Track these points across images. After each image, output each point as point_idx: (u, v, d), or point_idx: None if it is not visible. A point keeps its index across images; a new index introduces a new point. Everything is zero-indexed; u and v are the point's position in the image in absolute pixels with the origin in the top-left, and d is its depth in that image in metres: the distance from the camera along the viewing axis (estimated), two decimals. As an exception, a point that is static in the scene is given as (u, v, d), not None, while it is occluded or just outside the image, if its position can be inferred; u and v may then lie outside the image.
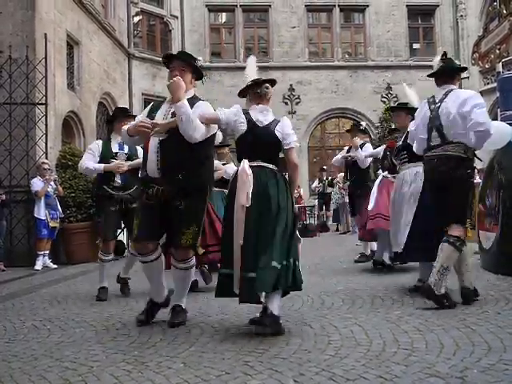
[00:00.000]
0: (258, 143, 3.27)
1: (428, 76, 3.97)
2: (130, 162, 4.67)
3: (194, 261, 3.44)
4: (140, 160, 4.52)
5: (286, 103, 16.75)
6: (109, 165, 4.60)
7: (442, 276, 3.48)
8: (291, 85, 16.81)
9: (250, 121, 3.30)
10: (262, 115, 3.35)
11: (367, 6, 17.25)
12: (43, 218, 7.52)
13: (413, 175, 4.41)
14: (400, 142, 4.56)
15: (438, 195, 3.67)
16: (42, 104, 8.24)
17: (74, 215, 8.39)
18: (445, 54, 3.96)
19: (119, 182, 4.64)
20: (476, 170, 9.72)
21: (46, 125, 8.27)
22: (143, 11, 15.70)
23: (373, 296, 4.09)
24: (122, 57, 14.07)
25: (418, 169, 4.28)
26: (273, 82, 3.46)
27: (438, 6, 17.34)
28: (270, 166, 3.28)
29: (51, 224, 7.62)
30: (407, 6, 17.19)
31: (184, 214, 3.24)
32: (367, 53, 17.34)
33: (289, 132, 3.32)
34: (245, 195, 3.09)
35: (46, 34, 8.43)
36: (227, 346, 2.78)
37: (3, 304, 4.49)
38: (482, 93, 16.09)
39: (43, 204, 7.55)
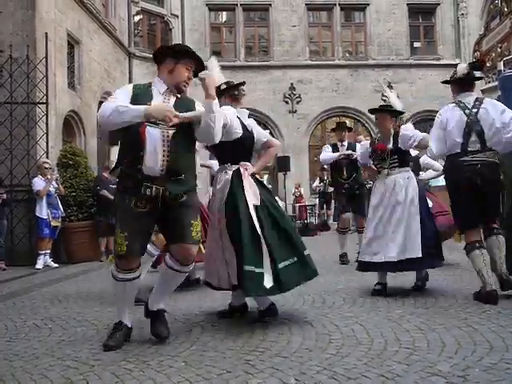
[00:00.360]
0: (248, 147, 3.48)
1: (450, 81, 4.06)
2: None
3: (193, 264, 3.15)
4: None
5: (287, 102, 16.74)
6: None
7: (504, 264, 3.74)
8: (292, 84, 16.80)
9: (243, 126, 3.43)
10: (247, 119, 3.50)
11: (368, 4, 17.23)
12: (45, 217, 7.53)
13: (406, 179, 4.29)
14: (390, 146, 4.35)
15: (476, 196, 3.78)
16: (42, 103, 8.24)
17: (74, 214, 8.41)
18: (473, 62, 4.18)
19: None
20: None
21: (47, 124, 8.27)
22: (144, 10, 15.68)
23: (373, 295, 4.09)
24: (122, 56, 14.07)
25: (409, 173, 4.33)
26: (243, 84, 3.61)
27: (438, 4, 17.32)
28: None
29: (53, 223, 7.62)
30: (408, 4, 17.17)
31: (188, 206, 2.94)
32: (368, 51, 17.33)
33: (259, 130, 3.59)
34: (256, 195, 3.28)
35: (46, 34, 8.43)
36: (228, 344, 2.79)
37: (4, 303, 4.49)
38: (484, 91, 16.11)
39: (45, 203, 7.56)
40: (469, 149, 3.75)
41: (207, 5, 17.03)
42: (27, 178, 7.97)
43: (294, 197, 15.47)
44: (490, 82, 15.75)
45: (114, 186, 8.62)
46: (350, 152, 6.47)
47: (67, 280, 6.08)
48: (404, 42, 17.20)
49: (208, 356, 2.58)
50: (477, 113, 3.77)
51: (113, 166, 3.23)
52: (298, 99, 16.90)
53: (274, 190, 13.76)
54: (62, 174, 8.40)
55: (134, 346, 2.86)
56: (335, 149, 6.64)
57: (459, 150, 3.78)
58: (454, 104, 3.91)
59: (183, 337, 2.99)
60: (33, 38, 8.29)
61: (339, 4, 17.26)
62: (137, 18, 15.63)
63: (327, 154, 6.66)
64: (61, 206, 7.90)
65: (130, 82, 14.53)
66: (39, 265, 7.38)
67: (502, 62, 6.02)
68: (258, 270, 3.11)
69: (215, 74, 3.24)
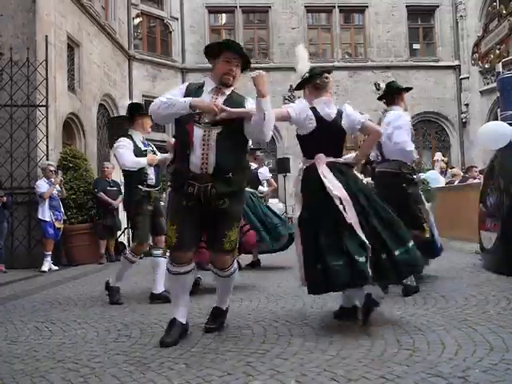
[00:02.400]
0: (328, 139, 3.24)
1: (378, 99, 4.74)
2: (159, 156, 4.51)
3: (235, 265, 3.18)
4: (165, 155, 4.42)
5: (287, 104, 16.75)
6: (148, 157, 4.38)
7: None
8: (291, 85, 16.71)
9: (318, 117, 3.24)
10: (328, 108, 3.27)
11: (367, 6, 17.24)
12: (47, 220, 7.52)
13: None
14: None
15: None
16: (42, 106, 8.25)
17: (74, 217, 8.42)
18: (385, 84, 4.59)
19: (152, 179, 4.44)
20: (477, 171, 9.73)
21: (47, 127, 8.28)
22: (143, 13, 15.70)
23: (374, 296, 4.08)
24: (122, 58, 14.08)
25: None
26: (330, 71, 3.38)
27: (437, 6, 17.34)
28: (341, 160, 3.30)
29: (56, 225, 7.63)
30: (407, 6, 17.18)
31: (227, 214, 2.95)
32: (367, 53, 17.35)
33: (353, 115, 3.31)
34: (340, 189, 3.11)
35: (46, 36, 8.45)
36: (229, 346, 2.79)
37: (4, 305, 4.49)
38: (482, 93, 16.13)
39: (47, 206, 7.56)
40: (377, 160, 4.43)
41: (207, 7, 17.05)
42: (27, 181, 7.98)
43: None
44: (488, 84, 15.82)
45: (113, 189, 8.66)
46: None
47: (67, 282, 6.08)
48: (403, 44, 17.22)
49: (208, 358, 2.59)
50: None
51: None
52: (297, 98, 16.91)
53: (275, 191, 13.75)
54: (63, 177, 8.41)
55: (135, 348, 2.86)
56: None
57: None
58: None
59: (184, 339, 2.99)
60: (33, 40, 8.31)
61: (338, 6, 17.27)
62: (136, 21, 15.64)
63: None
64: (62, 209, 7.91)
65: (130, 84, 14.57)
66: (45, 267, 7.31)
67: (500, 64, 6.02)
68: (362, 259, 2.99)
69: (301, 63, 3.29)
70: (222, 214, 2.95)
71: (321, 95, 3.32)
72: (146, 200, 4.40)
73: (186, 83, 3.16)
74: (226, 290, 3.23)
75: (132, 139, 4.46)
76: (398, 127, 4.14)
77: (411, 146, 4.19)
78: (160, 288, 4.37)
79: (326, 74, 3.33)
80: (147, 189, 4.40)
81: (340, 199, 3.10)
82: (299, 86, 3.48)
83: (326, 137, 3.25)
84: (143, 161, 4.34)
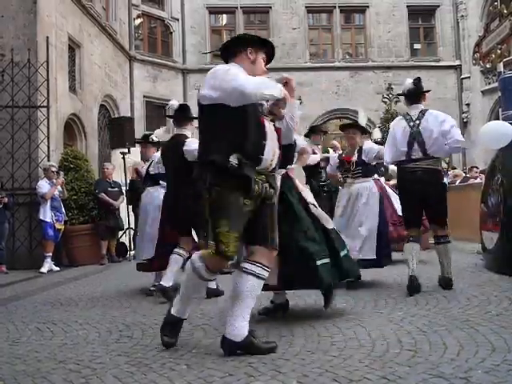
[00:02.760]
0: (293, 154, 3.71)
1: (398, 95, 4.88)
2: None
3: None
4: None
5: (287, 104, 16.76)
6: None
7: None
8: (292, 86, 16.80)
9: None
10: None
11: (367, 6, 17.24)
12: (48, 221, 7.53)
13: (367, 188, 4.92)
14: (355, 158, 4.97)
15: (419, 200, 4.26)
16: (43, 107, 8.26)
17: (76, 217, 8.42)
18: (418, 78, 4.47)
19: None
20: (478, 171, 9.72)
21: (48, 128, 8.29)
22: (144, 14, 15.73)
23: (376, 297, 4.09)
24: (123, 59, 14.10)
25: (371, 183, 5.00)
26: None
27: (438, 6, 17.34)
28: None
29: (57, 226, 7.63)
30: (408, 6, 17.17)
31: (274, 210, 2.79)
32: (368, 53, 17.34)
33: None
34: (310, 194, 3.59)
35: (47, 37, 8.46)
36: (230, 347, 2.78)
37: (6, 306, 4.50)
38: (484, 93, 16.12)
39: (48, 207, 7.56)
40: (412, 156, 4.25)
41: (207, 8, 17.06)
42: (29, 182, 8.00)
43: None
44: (490, 84, 15.80)
45: (114, 189, 8.66)
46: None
47: (68, 283, 6.09)
48: (404, 44, 17.22)
49: (210, 359, 2.58)
50: (419, 124, 4.26)
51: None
52: (299, 101, 16.89)
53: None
54: (65, 178, 8.42)
55: (137, 349, 2.86)
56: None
57: (404, 158, 4.28)
58: (401, 117, 4.49)
59: (185, 340, 2.98)
60: (34, 41, 8.32)
61: (339, 6, 17.27)
62: (137, 22, 15.68)
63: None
64: (63, 209, 7.91)
65: (131, 85, 14.58)
66: (45, 268, 7.31)
67: (501, 64, 6.01)
68: (326, 261, 3.34)
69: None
70: (271, 206, 2.76)
71: None
72: None
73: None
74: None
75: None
76: (454, 125, 4.24)
77: None
78: (169, 282, 4.35)
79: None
80: None
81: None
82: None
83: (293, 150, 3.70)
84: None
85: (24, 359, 2.74)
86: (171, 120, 4.81)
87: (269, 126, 2.72)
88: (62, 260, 8.23)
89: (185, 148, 4.36)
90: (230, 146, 2.56)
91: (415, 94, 4.41)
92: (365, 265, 4.58)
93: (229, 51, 2.87)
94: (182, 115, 4.68)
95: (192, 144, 4.23)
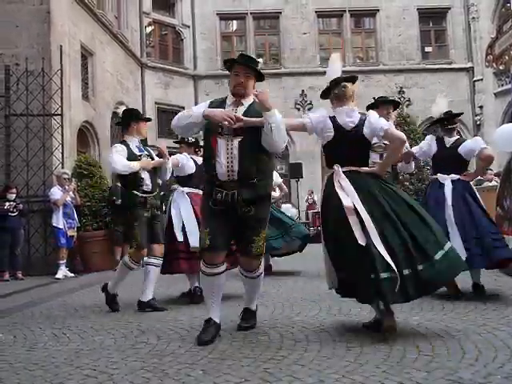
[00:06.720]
0: (347, 148, 3.21)
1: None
2: (154, 161, 4.51)
3: (262, 269, 3.36)
4: (161, 160, 4.47)
5: (298, 109, 16.74)
6: (141, 161, 4.37)
7: None
8: (303, 90, 16.81)
9: (336, 126, 3.24)
10: (349, 118, 3.27)
11: (378, 10, 17.21)
12: (61, 227, 7.61)
13: None
14: None
15: None
16: (57, 115, 8.36)
17: (89, 224, 8.49)
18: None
19: (148, 185, 4.40)
20: (492, 173, 9.61)
21: (62, 135, 8.39)
22: (155, 21, 15.88)
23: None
24: (134, 66, 14.24)
25: None
26: (353, 80, 3.42)
27: (449, 8, 17.24)
28: (364, 169, 3.24)
29: (69, 233, 7.71)
30: (418, 9, 17.11)
31: (254, 220, 3.14)
32: (379, 57, 17.30)
33: (376, 123, 3.23)
34: (351, 195, 3.07)
35: (61, 46, 8.58)
36: (246, 353, 2.78)
37: (22, 312, 4.54)
38: (496, 95, 15.96)
39: (61, 213, 7.64)
40: None
41: (218, 14, 17.17)
42: (43, 189, 8.08)
43: (306, 204, 15.44)
44: (502, 86, 15.65)
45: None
46: None
47: (83, 289, 6.13)
48: (415, 47, 17.14)
49: (226, 364, 2.58)
50: None
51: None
52: (310, 106, 16.88)
53: (287, 197, 13.76)
54: (77, 184, 8.51)
55: (152, 354, 2.86)
56: None
57: None
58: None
59: (217, 338, 3.02)
60: (48, 50, 8.44)
61: (349, 10, 17.27)
62: (148, 29, 15.83)
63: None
64: (76, 216, 7.99)
65: (143, 92, 14.71)
66: (60, 275, 7.41)
67: (515, 65, 5.97)
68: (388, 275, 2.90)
69: (334, 69, 3.42)
70: (250, 219, 3.13)
71: (343, 104, 3.33)
72: (142, 206, 4.35)
73: (209, 101, 3.33)
74: (254, 291, 3.42)
75: (126, 145, 4.45)
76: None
77: None
78: (149, 296, 4.33)
79: (345, 83, 3.33)
80: (143, 194, 4.35)
81: (356, 212, 3.03)
82: (324, 96, 3.54)
83: (345, 146, 3.22)
84: (134, 164, 4.30)
85: (41, 365, 2.76)
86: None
87: (224, 143, 3.07)
88: (77, 266, 8.29)
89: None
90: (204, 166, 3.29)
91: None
92: None
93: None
94: (120, 122, 4.76)
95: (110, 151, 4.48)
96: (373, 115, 3.32)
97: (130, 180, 4.35)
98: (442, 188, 4.30)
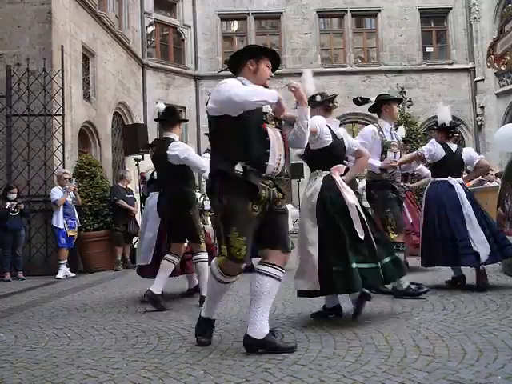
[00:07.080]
0: (338, 155, 3.73)
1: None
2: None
3: None
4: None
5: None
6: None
7: None
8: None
9: (332, 133, 3.69)
10: (337, 129, 3.79)
11: (379, 10, 17.20)
12: (61, 228, 7.61)
13: None
14: None
15: None
16: (59, 115, 8.36)
17: (91, 224, 8.49)
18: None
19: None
20: (494, 174, 9.60)
21: (63, 135, 8.39)
22: (156, 21, 15.88)
23: (392, 301, 4.06)
24: (136, 67, 14.25)
25: None
26: (335, 96, 3.90)
27: (450, 8, 17.22)
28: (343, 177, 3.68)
29: (69, 233, 7.71)
30: (419, 9, 17.09)
31: (286, 216, 2.92)
32: (380, 57, 17.29)
33: (351, 139, 3.88)
34: (353, 196, 3.53)
35: (62, 46, 8.58)
36: (246, 352, 2.77)
37: (23, 312, 4.55)
38: (498, 95, 15.95)
39: (61, 213, 7.65)
40: None
41: (219, 14, 17.17)
42: (44, 189, 8.08)
43: (307, 204, 15.40)
44: (504, 86, 15.63)
45: (130, 196, 8.73)
46: None
47: (84, 289, 6.13)
48: (416, 47, 17.13)
49: (226, 364, 2.58)
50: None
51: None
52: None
53: (288, 197, 13.77)
54: (78, 184, 8.51)
55: (153, 354, 2.87)
56: None
57: None
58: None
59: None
60: (49, 50, 8.44)
61: (350, 11, 17.26)
62: (150, 30, 15.83)
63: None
64: (77, 216, 7.99)
65: (144, 92, 14.71)
66: (60, 274, 7.42)
67: (516, 66, 5.96)
68: (369, 266, 3.39)
69: (308, 85, 3.40)
70: (282, 215, 2.90)
71: (329, 116, 3.81)
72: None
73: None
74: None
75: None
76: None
77: None
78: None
79: (336, 99, 3.84)
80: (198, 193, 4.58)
81: (356, 207, 3.49)
82: (313, 105, 3.75)
83: (337, 152, 3.73)
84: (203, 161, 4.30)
85: (42, 364, 2.77)
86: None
87: (273, 133, 2.82)
88: (78, 266, 8.29)
89: (168, 152, 4.34)
90: (235, 154, 2.74)
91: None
92: None
93: (235, 66, 3.08)
94: (168, 118, 4.68)
95: (174, 148, 4.33)
96: (344, 131, 3.91)
97: (193, 179, 4.58)
98: (452, 188, 4.58)
